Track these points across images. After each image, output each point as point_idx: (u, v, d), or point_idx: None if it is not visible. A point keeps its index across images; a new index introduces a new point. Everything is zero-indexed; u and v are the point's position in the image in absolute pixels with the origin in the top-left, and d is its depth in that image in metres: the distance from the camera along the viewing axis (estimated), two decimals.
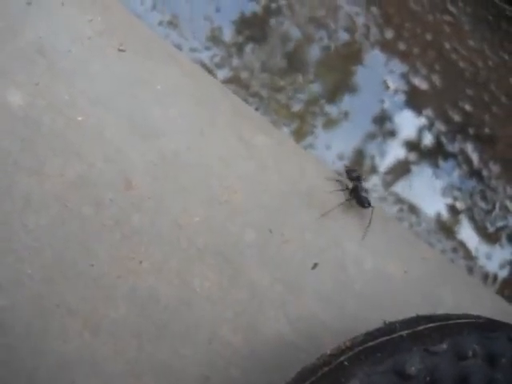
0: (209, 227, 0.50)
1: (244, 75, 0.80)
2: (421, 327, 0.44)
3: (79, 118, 0.49)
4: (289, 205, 0.53)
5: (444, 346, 0.42)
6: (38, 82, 0.49)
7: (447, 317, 0.47)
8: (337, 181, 0.55)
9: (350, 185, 0.55)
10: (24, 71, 0.49)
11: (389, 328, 0.45)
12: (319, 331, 0.51)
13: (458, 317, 0.47)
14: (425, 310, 0.50)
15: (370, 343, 0.43)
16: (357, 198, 0.55)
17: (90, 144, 0.49)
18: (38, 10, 0.50)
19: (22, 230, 0.47)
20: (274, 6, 0.84)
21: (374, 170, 0.84)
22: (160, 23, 0.82)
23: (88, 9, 0.51)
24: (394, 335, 0.44)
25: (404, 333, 0.44)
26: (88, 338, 0.47)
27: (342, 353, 0.43)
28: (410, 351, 0.41)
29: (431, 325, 0.45)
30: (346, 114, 0.82)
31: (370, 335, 0.44)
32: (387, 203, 0.82)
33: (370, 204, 0.55)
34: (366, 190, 0.57)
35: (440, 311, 0.53)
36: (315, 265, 0.52)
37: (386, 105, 0.83)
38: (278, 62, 0.82)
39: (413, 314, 0.48)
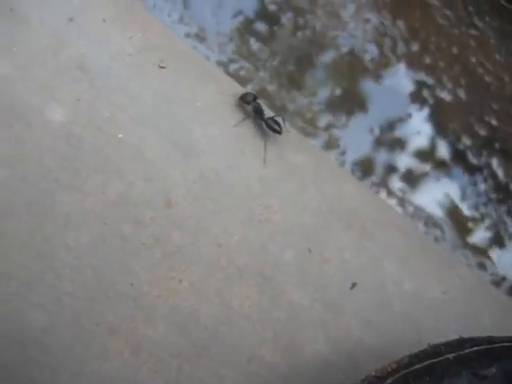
0: (248, 246, 0.50)
1: (270, 88, 0.80)
2: (466, 350, 0.44)
3: (120, 136, 0.49)
4: (328, 224, 0.52)
5: (493, 369, 0.42)
6: (79, 99, 0.49)
7: (491, 339, 0.46)
8: (238, 107, 0.54)
9: (250, 108, 0.54)
10: (65, 88, 0.49)
11: (434, 350, 0.45)
12: (358, 351, 0.51)
13: (502, 339, 0.46)
14: (463, 330, 0.49)
15: (417, 365, 0.43)
16: (267, 124, 0.53)
17: (131, 162, 0.49)
18: (80, 26, 0.50)
19: (63, 248, 0.47)
20: (301, 19, 0.84)
21: (399, 183, 0.83)
22: (187, 35, 0.82)
23: (128, 26, 0.51)
24: (441, 358, 0.43)
25: (450, 356, 0.43)
26: (128, 358, 0.47)
27: (389, 375, 0.43)
28: (459, 375, 0.41)
29: (477, 348, 0.44)
30: (371, 129, 0.81)
31: (416, 357, 0.44)
32: (412, 218, 0.82)
33: (280, 129, 0.54)
34: (273, 119, 0.54)
35: (478, 331, 0.53)
36: (354, 284, 0.52)
37: (412, 118, 0.83)
38: (305, 75, 0.81)
39: (452, 334, 0.47)
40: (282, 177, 0.52)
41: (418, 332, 0.51)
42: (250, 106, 0.53)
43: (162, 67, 0.51)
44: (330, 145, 0.78)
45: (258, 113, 0.53)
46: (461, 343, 0.45)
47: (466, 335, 0.47)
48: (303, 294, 0.50)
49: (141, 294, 0.48)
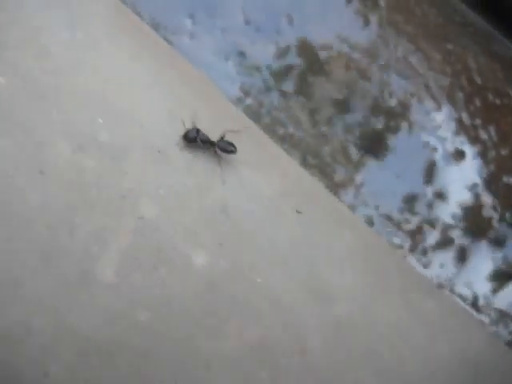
0: None
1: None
2: None
3: (258, 280, 0.50)
4: (456, 375, 0.52)
5: None
6: (221, 243, 0.50)
7: None
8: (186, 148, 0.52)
9: (198, 142, 0.52)
10: (209, 231, 0.50)
11: None
12: None
13: None
14: None
15: None
16: (220, 148, 0.52)
17: (268, 307, 0.50)
18: (224, 169, 0.52)
19: None
20: (393, 123, 0.85)
21: (456, 264, 0.82)
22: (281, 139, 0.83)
23: (269, 171, 0.53)
24: None
25: None
26: None
27: None
28: None
29: None
30: (436, 219, 0.81)
31: None
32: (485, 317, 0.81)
33: (234, 148, 0.52)
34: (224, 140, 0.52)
35: None
36: None
37: (503, 220, 0.83)
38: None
39: None
40: (412, 324, 0.53)
41: None
42: (197, 142, 0.52)
43: (299, 212, 0.53)
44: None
45: (206, 143, 0.52)
46: None
47: None
48: None
49: None
